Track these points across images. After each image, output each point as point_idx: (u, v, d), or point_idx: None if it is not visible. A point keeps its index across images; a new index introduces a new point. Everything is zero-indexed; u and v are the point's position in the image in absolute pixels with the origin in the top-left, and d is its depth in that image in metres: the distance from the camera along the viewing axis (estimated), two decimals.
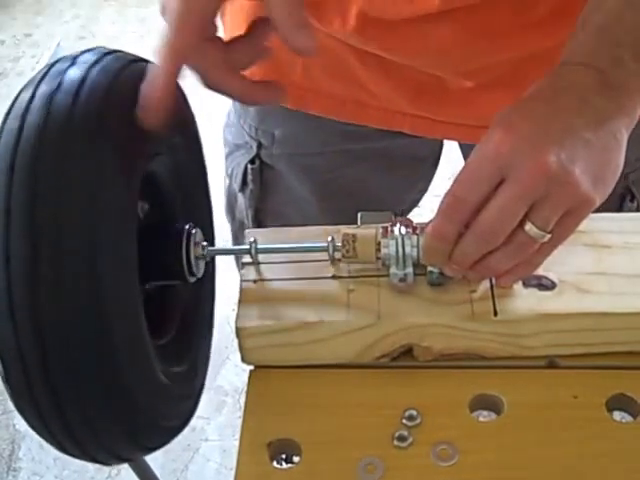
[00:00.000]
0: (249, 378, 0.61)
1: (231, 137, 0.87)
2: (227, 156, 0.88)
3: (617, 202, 0.81)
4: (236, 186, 0.86)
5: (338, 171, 0.85)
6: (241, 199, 0.87)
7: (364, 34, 0.69)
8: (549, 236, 0.53)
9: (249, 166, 0.84)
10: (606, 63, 0.54)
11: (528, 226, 0.53)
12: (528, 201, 0.52)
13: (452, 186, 0.54)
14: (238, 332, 0.59)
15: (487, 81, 0.72)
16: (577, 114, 0.53)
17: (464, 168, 0.53)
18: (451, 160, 0.89)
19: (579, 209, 0.53)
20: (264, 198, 0.86)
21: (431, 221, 0.55)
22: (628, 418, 0.57)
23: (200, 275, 0.59)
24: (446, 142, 0.87)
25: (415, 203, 0.93)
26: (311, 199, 0.86)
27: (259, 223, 0.87)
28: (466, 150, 0.87)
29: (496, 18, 0.67)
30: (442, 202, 0.54)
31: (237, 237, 0.92)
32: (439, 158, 0.89)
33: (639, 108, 0.55)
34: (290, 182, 0.86)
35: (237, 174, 0.86)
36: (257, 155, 0.84)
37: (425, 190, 0.93)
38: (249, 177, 0.85)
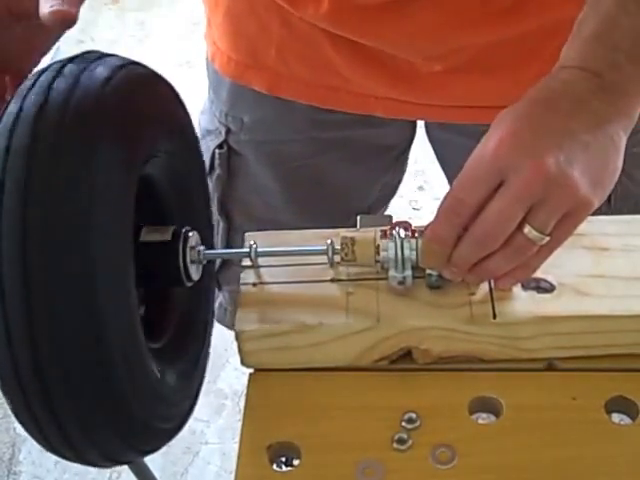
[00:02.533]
0: (249, 381, 0.61)
1: (204, 123, 0.89)
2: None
3: None
4: None
5: (304, 160, 0.86)
6: (208, 184, 0.88)
7: (337, 19, 0.70)
8: (548, 239, 0.53)
9: (217, 151, 0.86)
10: (603, 67, 0.54)
11: (527, 229, 0.53)
12: (527, 203, 0.52)
13: (451, 188, 0.54)
14: (237, 335, 0.59)
15: (456, 65, 0.73)
16: (575, 117, 0.53)
17: (463, 170, 0.54)
18: None
19: (577, 212, 0.53)
20: (230, 184, 0.87)
21: (430, 224, 0.55)
22: (627, 420, 0.57)
23: (197, 279, 0.59)
24: (416, 145, 0.88)
25: (382, 201, 0.94)
26: (275, 187, 0.87)
27: (225, 210, 0.88)
28: (432, 131, 0.87)
29: (464, 3, 0.68)
30: (441, 204, 0.54)
31: None
32: (407, 151, 0.90)
33: (636, 111, 0.56)
34: (256, 169, 0.87)
35: (205, 159, 0.87)
36: (225, 140, 0.85)
37: (392, 187, 0.94)
38: (216, 162, 0.86)
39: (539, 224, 0.53)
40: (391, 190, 0.95)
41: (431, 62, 0.74)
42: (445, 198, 0.54)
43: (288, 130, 0.84)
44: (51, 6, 0.50)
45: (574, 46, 0.56)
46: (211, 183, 0.87)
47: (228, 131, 0.85)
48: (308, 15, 0.71)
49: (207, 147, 0.87)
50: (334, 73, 0.76)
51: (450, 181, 0.94)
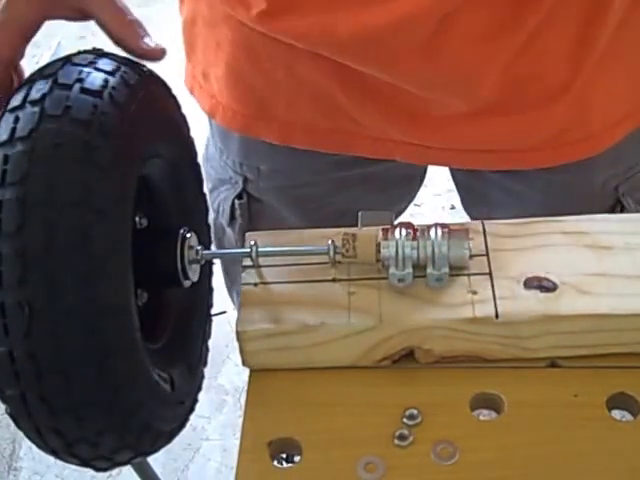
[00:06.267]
0: (249, 377, 0.61)
1: (213, 172, 0.86)
2: (211, 191, 0.86)
3: (608, 213, 0.82)
4: (224, 221, 0.85)
5: (328, 198, 0.84)
6: (230, 232, 0.86)
7: (354, 53, 0.66)
8: None
9: (236, 201, 0.83)
10: None
11: None
12: None
13: None
14: (239, 336, 0.58)
15: (480, 107, 0.70)
16: None
17: None
18: None
19: None
20: (253, 230, 0.85)
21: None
22: (628, 417, 0.57)
23: (195, 279, 0.59)
24: None
25: (401, 212, 0.93)
26: (299, 225, 0.84)
27: None
28: (456, 173, 0.87)
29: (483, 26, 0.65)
30: None
31: (228, 270, 0.90)
32: (426, 172, 0.88)
33: None
34: (279, 213, 0.85)
35: (224, 209, 0.85)
36: (244, 189, 0.83)
37: (412, 200, 0.93)
38: (237, 212, 0.84)
39: None
40: (411, 201, 0.93)
41: (465, 104, 0.70)
42: None
43: (307, 174, 0.81)
44: (142, 38, 0.54)
45: None
46: (234, 233, 0.85)
47: (245, 180, 0.82)
48: (325, 49, 0.66)
49: (224, 197, 0.84)
50: (348, 119, 0.73)
51: (466, 208, 0.93)
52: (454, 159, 0.76)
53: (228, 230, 0.86)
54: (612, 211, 0.82)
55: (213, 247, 0.66)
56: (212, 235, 0.88)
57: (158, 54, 0.55)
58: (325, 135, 0.75)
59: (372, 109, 0.72)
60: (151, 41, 0.55)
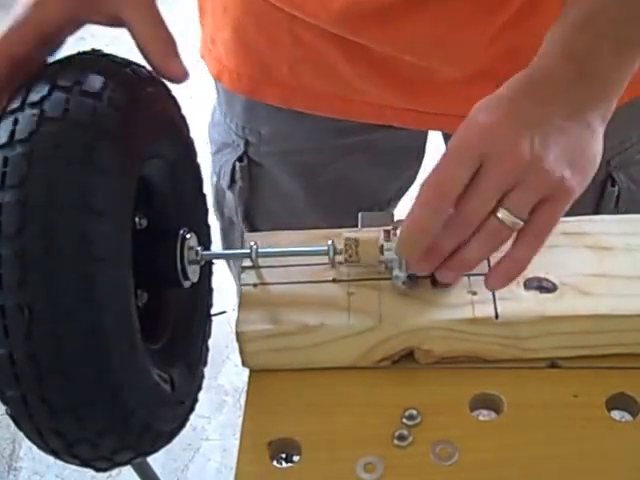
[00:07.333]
0: (249, 377, 0.61)
1: (217, 135, 0.88)
2: (214, 154, 0.88)
3: (599, 188, 0.82)
4: (224, 183, 0.87)
5: (326, 166, 0.85)
6: (230, 196, 0.88)
7: (350, 25, 0.68)
8: (521, 223, 0.53)
9: (237, 164, 0.85)
10: (585, 54, 0.54)
11: (501, 213, 0.52)
12: (502, 187, 0.52)
13: (430, 175, 0.53)
14: (239, 336, 0.59)
15: (474, 73, 0.72)
16: (553, 104, 0.53)
17: (442, 158, 0.53)
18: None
19: (556, 197, 0.53)
20: (253, 194, 0.87)
21: (409, 214, 0.54)
22: (628, 417, 0.57)
23: (195, 280, 0.59)
24: (433, 136, 0.87)
25: (402, 192, 0.94)
26: (300, 194, 0.87)
27: (249, 219, 0.88)
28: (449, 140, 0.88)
29: (474, 6, 0.67)
30: (420, 192, 0.53)
31: (226, 234, 0.92)
32: (424, 148, 0.90)
33: (615, 100, 0.55)
34: (279, 178, 0.86)
35: (225, 172, 0.86)
36: (245, 153, 0.85)
37: (412, 179, 0.94)
38: (237, 175, 0.85)
39: (514, 207, 0.52)
40: (412, 179, 0.94)
41: (450, 68, 0.72)
42: (424, 185, 0.53)
43: (307, 139, 0.83)
44: (169, 56, 0.55)
45: (557, 32, 0.56)
46: (233, 195, 0.87)
47: (247, 143, 0.84)
48: (320, 22, 0.69)
49: (225, 160, 0.86)
50: (349, 86, 0.75)
51: None
52: (451, 124, 0.77)
53: (228, 193, 0.88)
54: (603, 185, 0.82)
55: (214, 248, 0.66)
56: (212, 198, 0.89)
57: (180, 76, 0.55)
58: (326, 100, 0.77)
59: (373, 77, 0.74)
60: (178, 62, 0.55)
